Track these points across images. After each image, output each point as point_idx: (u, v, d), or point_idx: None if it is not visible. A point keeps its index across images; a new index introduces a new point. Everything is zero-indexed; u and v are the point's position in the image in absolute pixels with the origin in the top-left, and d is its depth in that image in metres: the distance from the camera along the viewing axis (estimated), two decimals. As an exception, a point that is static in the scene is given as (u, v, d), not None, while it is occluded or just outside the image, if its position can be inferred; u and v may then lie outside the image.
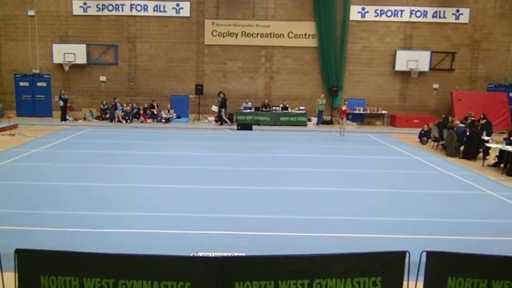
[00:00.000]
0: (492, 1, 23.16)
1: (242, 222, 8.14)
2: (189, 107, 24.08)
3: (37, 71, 23.77)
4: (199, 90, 23.24)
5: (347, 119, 20.49)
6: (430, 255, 4.71)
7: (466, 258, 4.82)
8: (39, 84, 23.96)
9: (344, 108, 18.94)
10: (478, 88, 23.97)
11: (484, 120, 17.50)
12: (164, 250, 6.49)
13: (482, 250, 6.46)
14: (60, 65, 23.41)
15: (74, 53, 23.00)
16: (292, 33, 23.65)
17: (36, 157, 13.60)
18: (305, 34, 23.66)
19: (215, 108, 22.97)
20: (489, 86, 24.06)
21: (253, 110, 23.17)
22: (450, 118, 17.63)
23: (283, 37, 23.67)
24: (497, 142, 14.47)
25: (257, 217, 8.42)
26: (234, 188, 10.51)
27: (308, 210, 8.95)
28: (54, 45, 23.13)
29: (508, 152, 12.90)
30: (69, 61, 23.05)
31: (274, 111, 23.18)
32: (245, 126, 21.36)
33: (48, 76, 23.92)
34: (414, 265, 4.74)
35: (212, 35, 23.64)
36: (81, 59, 23.17)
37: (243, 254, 6.00)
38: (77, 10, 23.31)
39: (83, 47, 23.18)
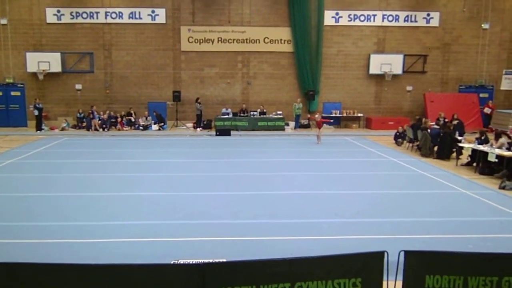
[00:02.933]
0: (461, 5, 23.81)
1: (222, 227, 8.15)
2: (167, 113, 23.95)
3: (11, 80, 23.32)
4: (176, 96, 23.15)
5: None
6: (408, 254, 4.81)
7: (443, 256, 4.95)
8: (13, 93, 23.50)
9: (319, 119, 18.71)
10: (450, 89, 24.56)
11: (457, 121, 17.93)
12: (144, 259, 6.47)
13: (458, 248, 6.67)
14: (34, 74, 23.01)
15: (48, 62, 22.64)
16: (268, 38, 23.82)
17: (12, 168, 13.33)
18: (281, 40, 23.86)
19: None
20: (460, 87, 24.68)
21: (231, 115, 23.19)
22: (423, 120, 18.00)
23: (259, 42, 23.82)
24: (469, 142, 14.83)
25: (237, 222, 8.46)
26: (214, 194, 10.52)
27: (288, 213, 9.03)
28: (27, 53, 22.74)
29: (480, 151, 13.25)
30: (43, 70, 22.68)
31: (252, 116, 23.25)
32: (223, 131, 21.36)
33: (22, 85, 23.48)
34: (393, 265, 4.84)
35: (189, 41, 23.62)
36: (56, 67, 22.84)
37: (224, 260, 6.02)
38: (50, 18, 22.99)
39: (57, 55, 22.85)
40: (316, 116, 19.31)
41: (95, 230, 7.96)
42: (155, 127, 22.89)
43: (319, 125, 18.52)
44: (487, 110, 23.31)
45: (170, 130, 23.08)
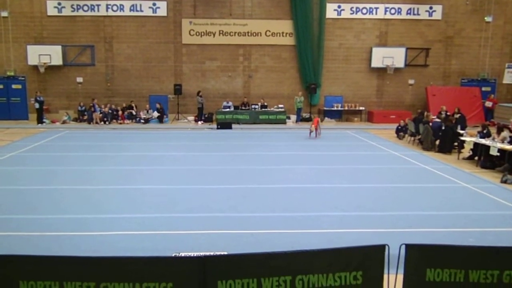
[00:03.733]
0: (464, -3, 23.68)
1: (223, 220, 8.16)
2: (168, 107, 23.93)
3: (12, 73, 23.28)
4: (177, 90, 23.11)
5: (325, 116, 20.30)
6: (409, 247, 4.80)
7: (444, 249, 4.94)
8: (14, 86, 23.47)
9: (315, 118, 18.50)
10: (452, 83, 24.47)
11: (458, 115, 17.87)
12: (146, 251, 6.48)
13: (458, 241, 6.66)
14: (35, 67, 22.96)
15: (49, 55, 22.59)
16: (270, 31, 23.71)
17: (13, 160, 13.34)
18: (283, 33, 23.75)
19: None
20: (462, 81, 24.59)
21: (232, 109, 23.16)
22: (425, 113, 17.96)
23: (261, 35, 23.72)
24: (471, 136, 14.80)
25: (238, 216, 8.46)
26: (215, 187, 10.52)
27: (289, 207, 9.03)
28: (28, 46, 22.66)
29: (482, 145, 13.22)
30: (44, 63, 22.63)
31: (253, 109, 23.21)
32: (224, 125, 21.34)
33: (23, 78, 23.45)
34: (394, 258, 4.83)
35: (190, 34, 23.53)
36: (57, 60, 22.79)
37: (225, 253, 6.02)
38: (51, 11, 22.91)
39: (58, 48, 22.79)
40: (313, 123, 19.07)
41: (96, 223, 7.98)
42: (155, 113, 22.87)
43: (315, 125, 18.38)
44: (488, 104, 23.24)
45: (171, 123, 23.06)
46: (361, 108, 24.37)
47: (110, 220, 8.12)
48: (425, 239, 6.95)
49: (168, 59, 23.82)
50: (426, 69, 24.34)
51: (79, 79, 23.70)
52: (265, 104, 23.42)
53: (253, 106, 23.34)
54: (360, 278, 4.72)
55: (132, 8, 23.16)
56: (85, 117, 22.74)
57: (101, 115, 22.43)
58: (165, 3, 23.22)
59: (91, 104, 22.49)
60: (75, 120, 23.18)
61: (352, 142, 17.67)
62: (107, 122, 22.36)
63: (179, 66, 23.91)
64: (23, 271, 4.41)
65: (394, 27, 23.96)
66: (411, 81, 24.49)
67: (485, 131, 14.13)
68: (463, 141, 14.66)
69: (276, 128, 21.81)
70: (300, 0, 23.16)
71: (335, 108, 24.22)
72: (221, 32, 23.59)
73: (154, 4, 23.20)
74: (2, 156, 13.82)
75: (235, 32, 23.62)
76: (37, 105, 21.87)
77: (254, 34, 23.69)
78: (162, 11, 23.30)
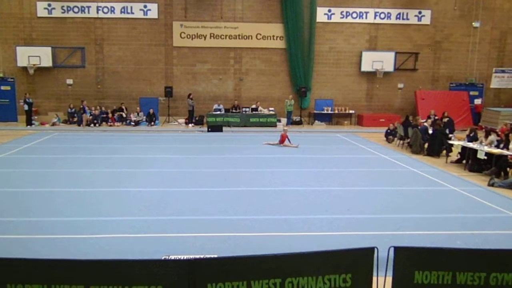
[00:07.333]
0: (452, 3, 23.95)
1: (213, 223, 8.16)
2: (159, 109, 23.86)
3: (1, 75, 23.09)
4: (168, 92, 23.07)
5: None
6: (398, 250, 4.83)
7: (432, 252, 4.97)
8: (3, 88, 23.27)
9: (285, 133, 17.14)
10: (441, 87, 24.74)
11: (447, 118, 18.06)
12: (135, 254, 6.46)
13: (446, 244, 6.73)
14: (25, 68, 22.80)
15: (39, 56, 22.45)
16: (260, 34, 23.80)
17: (1, 163, 13.22)
18: (273, 36, 23.85)
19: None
20: (451, 85, 24.85)
21: (223, 111, 23.16)
22: (410, 117, 18.15)
23: (252, 38, 23.80)
24: (459, 139, 14.97)
25: (228, 218, 8.47)
26: (205, 190, 10.51)
27: (278, 210, 9.05)
28: (18, 47, 22.52)
29: (470, 148, 13.37)
30: (34, 64, 22.48)
31: (244, 112, 23.23)
32: (215, 128, 21.33)
33: (12, 80, 23.25)
34: (383, 261, 4.87)
35: (181, 37, 23.53)
36: (47, 62, 22.65)
37: (215, 256, 6.02)
38: (41, 12, 22.78)
39: (48, 50, 22.66)
40: (285, 129, 18.11)
41: (86, 225, 7.93)
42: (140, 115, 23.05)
43: (283, 139, 16.96)
44: (477, 101, 23.66)
45: (162, 126, 23.00)
46: (351, 111, 24.52)
47: (100, 223, 8.08)
48: (413, 242, 7.02)
49: (159, 62, 23.79)
50: (415, 73, 24.58)
51: (69, 81, 23.57)
52: (257, 107, 23.41)
53: (243, 109, 23.36)
54: (349, 280, 4.74)
55: (123, 10, 23.11)
56: (75, 119, 22.62)
57: (91, 117, 22.30)
58: (156, 5, 23.20)
59: (81, 106, 22.37)
60: (65, 122, 23.04)
61: (341, 145, 17.77)
62: (97, 124, 22.23)
63: (170, 69, 23.89)
64: (11, 274, 4.37)
65: (384, 32, 24.18)
66: (400, 85, 24.71)
67: (471, 135, 14.31)
68: (451, 145, 14.81)
69: (266, 131, 21.81)
70: (290, 3, 23.29)
71: (325, 112, 24.36)
72: (212, 35, 23.62)
73: (145, 6, 23.17)
74: (-10, 158, 13.70)
75: (226, 35, 23.67)
76: (26, 107, 21.70)
77: (245, 37, 23.76)
78: (153, 13, 23.27)
